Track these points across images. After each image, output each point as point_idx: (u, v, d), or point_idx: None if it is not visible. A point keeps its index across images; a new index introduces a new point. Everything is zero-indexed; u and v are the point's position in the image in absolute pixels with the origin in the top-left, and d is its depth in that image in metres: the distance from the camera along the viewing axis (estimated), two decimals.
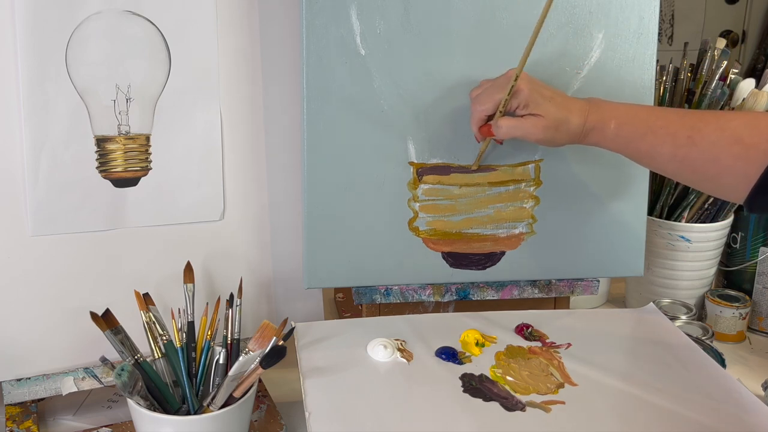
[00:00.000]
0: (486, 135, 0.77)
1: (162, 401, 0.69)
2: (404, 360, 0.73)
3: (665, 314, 0.85)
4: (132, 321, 0.71)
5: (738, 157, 0.64)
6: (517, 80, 0.72)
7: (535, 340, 0.78)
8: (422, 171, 0.83)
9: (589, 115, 0.72)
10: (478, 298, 0.87)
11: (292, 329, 0.77)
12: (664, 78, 1.03)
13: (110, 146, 0.76)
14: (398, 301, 0.86)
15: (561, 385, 0.70)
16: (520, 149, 0.84)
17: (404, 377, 0.71)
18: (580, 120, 0.72)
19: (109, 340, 0.69)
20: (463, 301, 0.88)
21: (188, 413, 0.69)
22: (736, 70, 1.01)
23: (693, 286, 1.04)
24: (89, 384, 0.77)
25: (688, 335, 0.81)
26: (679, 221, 1.01)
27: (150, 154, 0.78)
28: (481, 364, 0.73)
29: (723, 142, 0.65)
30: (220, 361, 0.71)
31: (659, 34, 0.85)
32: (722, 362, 0.83)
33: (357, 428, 0.63)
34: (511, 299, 0.88)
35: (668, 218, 1.02)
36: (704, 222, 1.01)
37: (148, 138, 0.78)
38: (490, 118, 0.76)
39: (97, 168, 0.76)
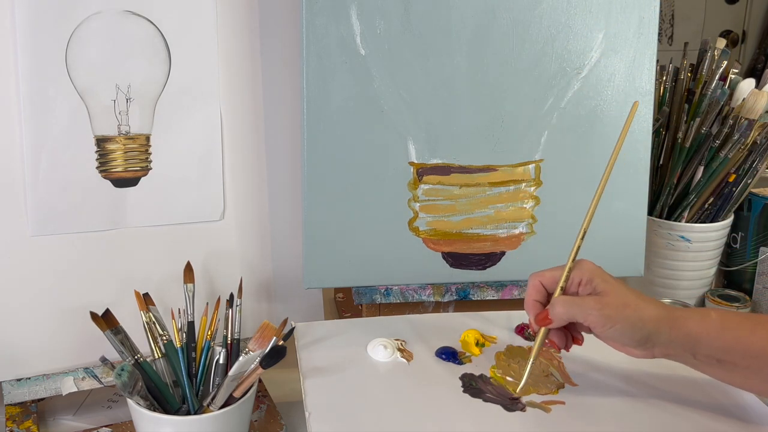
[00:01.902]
0: (541, 324, 0.64)
1: (162, 401, 0.69)
2: (404, 360, 0.73)
3: None
4: (132, 321, 0.71)
5: None
6: (583, 238, 0.63)
7: None
8: (422, 171, 0.83)
9: (675, 308, 0.62)
10: (478, 298, 0.87)
11: (292, 329, 0.77)
12: (664, 78, 1.03)
13: (110, 146, 0.76)
14: (398, 301, 0.86)
15: (561, 385, 0.70)
16: (520, 149, 0.84)
17: (404, 377, 0.71)
18: (660, 305, 0.61)
19: (109, 340, 0.68)
20: (463, 301, 0.88)
21: (188, 413, 0.69)
22: (736, 70, 1.01)
23: (693, 286, 1.04)
24: (89, 384, 0.77)
25: None
26: (679, 221, 1.01)
27: (150, 154, 0.78)
28: (481, 364, 0.73)
29: None
30: (220, 361, 0.71)
31: (659, 34, 0.85)
32: None
33: (357, 428, 0.63)
34: (511, 299, 0.88)
35: (668, 218, 1.02)
36: (704, 222, 1.00)
37: (148, 138, 0.78)
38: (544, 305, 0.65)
39: (97, 168, 0.76)
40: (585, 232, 0.65)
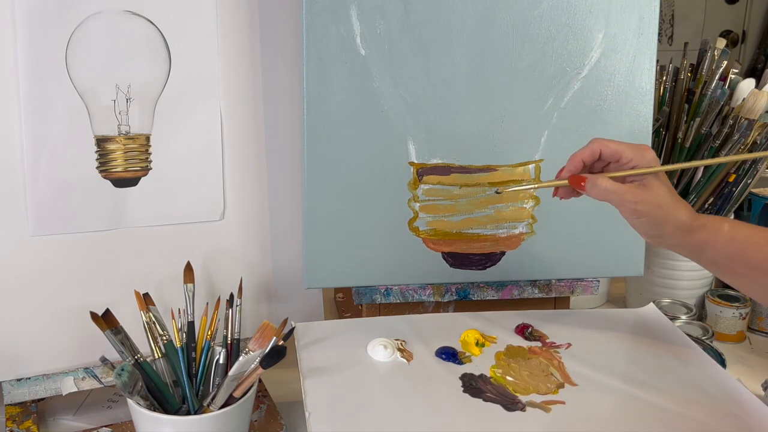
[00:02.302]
0: (573, 185, 0.68)
1: (162, 401, 0.69)
2: (404, 360, 0.73)
3: (665, 314, 0.85)
4: (132, 321, 0.71)
5: None
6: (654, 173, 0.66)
7: (535, 340, 0.78)
8: (422, 171, 0.83)
9: (700, 216, 0.67)
10: (478, 298, 0.87)
11: (292, 329, 0.77)
12: (664, 78, 1.03)
13: (110, 146, 0.76)
14: (398, 301, 0.86)
15: (561, 385, 0.70)
16: (520, 149, 0.84)
17: (404, 377, 0.71)
18: (689, 213, 0.66)
19: (109, 340, 0.68)
20: (463, 301, 0.88)
21: (188, 413, 0.69)
22: (736, 70, 1.01)
23: (693, 286, 1.04)
24: (89, 384, 0.77)
25: (688, 335, 0.81)
26: None
27: (150, 154, 0.78)
28: (481, 364, 0.73)
29: None
30: (220, 361, 0.71)
31: (659, 34, 0.85)
32: (722, 362, 0.83)
33: (357, 428, 0.63)
34: (511, 299, 0.88)
35: None
36: None
37: (148, 138, 0.78)
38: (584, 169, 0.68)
39: (97, 168, 0.76)
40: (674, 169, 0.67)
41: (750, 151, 0.99)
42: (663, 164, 1.00)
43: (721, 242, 0.66)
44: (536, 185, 0.68)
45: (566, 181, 0.68)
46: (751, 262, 0.65)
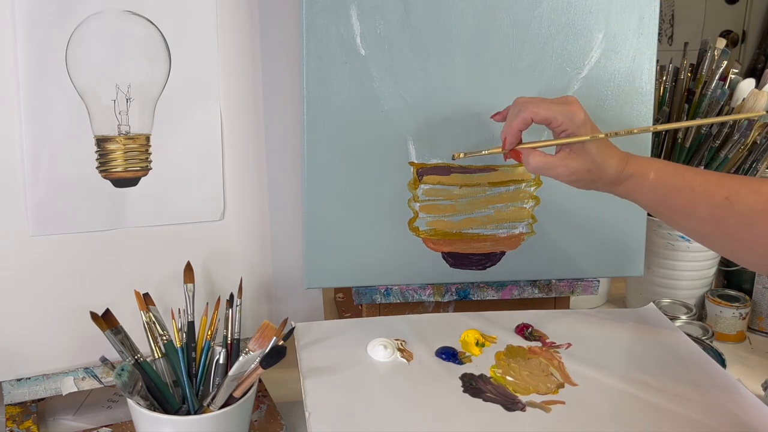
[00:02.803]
0: (513, 157, 0.71)
1: (162, 401, 0.69)
2: (404, 360, 0.73)
3: (665, 314, 0.85)
4: (132, 321, 0.71)
5: None
6: (596, 138, 0.67)
7: (535, 340, 0.78)
8: (422, 171, 0.83)
9: (629, 162, 0.69)
10: (478, 298, 0.87)
11: (292, 329, 0.77)
12: (664, 78, 1.03)
13: (110, 146, 0.76)
14: (398, 301, 0.86)
15: (561, 385, 0.70)
16: None
17: (404, 377, 0.71)
18: (618, 165, 0.69)
19: (109, 340, 0.69)
20: (463, 301, 0.88)
21: (188, 413, 0.69)
22: (736, 70, 1.01)
23: (693, 286, 1.04)
24: (89, 384, 0.77)
25: (688, 335, 0.81)
26: None
27: (150, 154, 0.78)
28: (481, 364, 0.73)
29: (759, 207, 0.64)
30: (220, 361, 0.71)
31: (659, 34, 0.85)
32: (722, 362, 0.83)
33: (357, 428, 0.63)
34: (511, 299, 0.88)
35: None
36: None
37: (148, 138, 0.78)
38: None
39: (97, 168, 0.76)
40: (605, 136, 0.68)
41: (750, 152, 0.99)
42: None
43: (647, 189, 0.69)
44: (482, 153, 0.72)
45: (506, 151, 0.72)
46: (675, 206, 0.69)
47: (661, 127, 0.68)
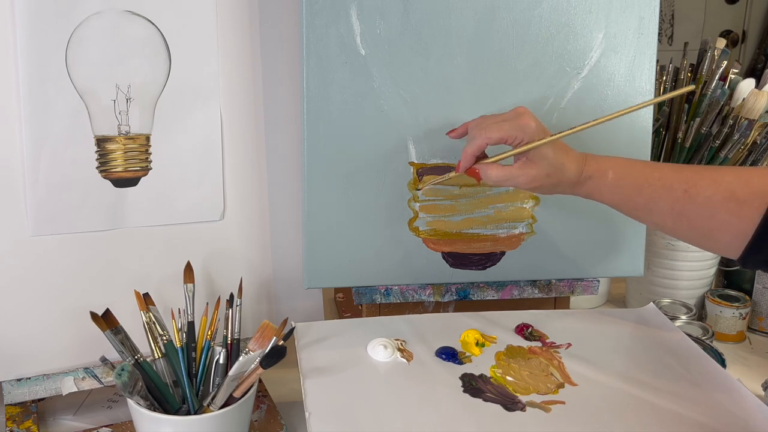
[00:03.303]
0: (472, 176, 0.73)
1: (162, 401, 0.69)
2: (404, 360, 0.73)
3: (665, 314, 0.85)
4: (132, 321, 0.71)
5: (733, 213, 0.64)
6: (543, 143, 0.69)
7: (535, 340, 0.78)
8: (422, 171, 0.83)
9: (587, 163, 0.71)
10: (478, 298, 0.87)
11: (292, 329, 0.77)
12: (664, 78, 1.03)
13: (110, 146, 0.76)
14: (398, 301, 0.86)
15: (561, 385, 0.70)
16: None
17: (404, 377, 0.71)
18: (576, 168, 0.70)
19: (109, 340, 0.69)
20: (463, 301, 0.88)
21: (188, 413, 0.69)
22: (736, 70, 1.01)
23: (693, 286, 1.04)
24: (89, 384, 0.77)
25: (688, 335, 0.81)
26: None
27: (150, 154, 0.78)
28: (481, 364, 0.73)
29: (718, 197, 0.65)
30: (220, 361, 0.71)
31: (659, 34, 0.85)
32: (722, 362, 0.83)
33: (357, 428, 0.63)
34: (511, 299, 0.88)
35: None
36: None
37: (148, 138, 0.78)
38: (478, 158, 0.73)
39: (97, 168, 0.76)
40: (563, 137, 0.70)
41: (750, 152, 0.99)
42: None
43: (607, 189, 0.71)
44: (441, 179, 0.77)
45: (458, 175, 0.74)
46: (636, 203, 0.70)
47: (592, 123, 0.69)
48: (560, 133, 0.70)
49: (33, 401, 0.78)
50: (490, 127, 0.70)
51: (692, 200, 0.66)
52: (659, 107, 1.01)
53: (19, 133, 0.72)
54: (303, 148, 0.81)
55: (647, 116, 0.85)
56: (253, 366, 0.67)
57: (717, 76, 0.99)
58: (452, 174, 0.75)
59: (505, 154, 0.71)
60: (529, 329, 0.80)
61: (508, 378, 0.71)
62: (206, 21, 0.78)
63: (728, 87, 0.99)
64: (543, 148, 0.69)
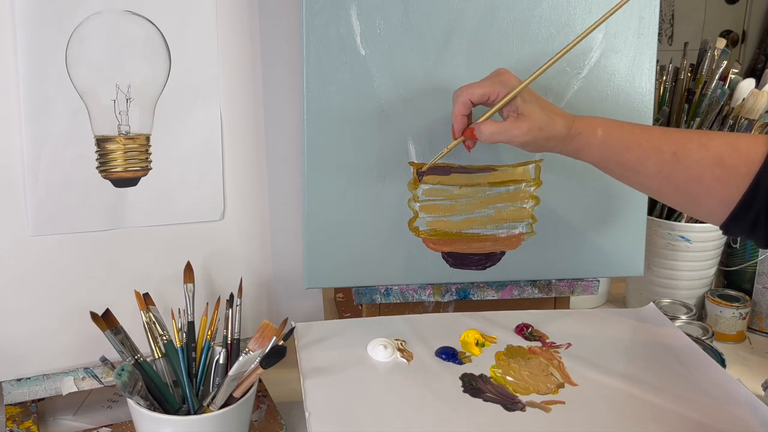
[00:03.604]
0: (468, 137, 0.74)
1: (162, 401, 0.69)
2: (404, 360, 0.73)
3: (665, 314, 0.85)
4: (132, 321, 0.71)
5: (719, 179, 0.64)
6: (517, 91, 0.70)
7: (535, 340, 0.78)
8: (422, 171, 0.83)
9: (575, 121, 0.71)
10: (478, 298, 0.87)
11: (292, 329, 0.77)
12: (664, 78, 1.03)
13: (110, 146, 0.76)
14: (398, 301, 0.86)
15: (561, 385, 0.70)
16: (519, 150, 0.83)
17: (404, 377, 0.71)
18: (565, 123, 0.71)
19: (109, 340, 0.69)
20: (463, 301, 0.88)
21: (188, 413, 0.69)
22: (736, 70, 1.01)
23: (693, 286, 1.04)
24: (89, 384, 0.77)
25: (688, 335, 0.81)
26: (679, 221, 1.01)
27: (150, 154, 0.78)
28: (481, 364, 0.73)
29: (706, 162, 0.65)
30: (220, 361, 0.71)
31: (659, 34, 0.85)
32: (722, 362, 0.83)
33: (357, 428, 0.63)
34: (511, 299, 0.88)
35: (668, 218, 1.02)
36: (704, 222, 1.00)
37: (148, 138, 0.78)
38: (469, 119, 0.74)
39: (97, 168, 0.76)
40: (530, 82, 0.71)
41: None
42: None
43: (595, 146, 0.71)
44: (444, 152, 0.77)
45: (463, 138, 0.74)
46: (624, 163, 0.70)
47: (551, 61, 0.70)
48: (533, 74, 0.71)
49: (33, 401, 0.78)
50: (472, 86, 0.72)
51: (680, 163, 0.66)
52: (659, 108, 1.02)
53: (19, 133, 0.72)
54: (303, 148, 0.81)
55: (647, 116, 0.85)
56: (253, 366, 0.67)
57: (717, 76, 0.99)
58: (451, 144, 0.76)
59: (494, 108, 0.72)
60: (529, 329, 0.80)
61: (508, 378, 0.71)
62: (206, 21, 0.78)
63: (728, 87, 0.99)
64: (531, 105, 0.71)
